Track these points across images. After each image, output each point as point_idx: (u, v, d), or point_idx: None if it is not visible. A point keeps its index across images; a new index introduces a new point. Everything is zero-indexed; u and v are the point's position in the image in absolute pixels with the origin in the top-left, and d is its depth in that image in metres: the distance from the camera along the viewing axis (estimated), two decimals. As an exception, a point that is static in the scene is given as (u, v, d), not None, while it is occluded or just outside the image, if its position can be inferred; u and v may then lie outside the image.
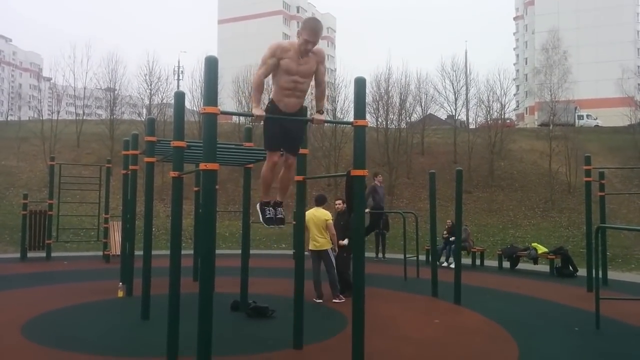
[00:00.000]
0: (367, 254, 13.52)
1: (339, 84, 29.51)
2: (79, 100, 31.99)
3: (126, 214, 9.49)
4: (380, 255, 14.94)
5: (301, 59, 4.38)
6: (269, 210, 4.61)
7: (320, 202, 8.51)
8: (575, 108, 36.58)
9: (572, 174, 22.61)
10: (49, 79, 42.18)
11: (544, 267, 12.91)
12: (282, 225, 4.78)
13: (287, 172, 4.81)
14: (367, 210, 11.11)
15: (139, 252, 7.74)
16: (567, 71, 30.04)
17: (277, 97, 4.54)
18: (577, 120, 36.87)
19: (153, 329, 6.40)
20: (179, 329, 5.23)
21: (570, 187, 22.64)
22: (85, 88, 31.37)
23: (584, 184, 10.31)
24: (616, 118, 34.65)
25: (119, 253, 11.36)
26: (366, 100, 4.85)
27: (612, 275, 11.47)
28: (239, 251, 7.96)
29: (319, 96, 4.77)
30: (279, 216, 4.62)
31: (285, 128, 4.56)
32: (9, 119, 38.91)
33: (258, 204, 4.75)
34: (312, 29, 4.32)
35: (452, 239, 12.73)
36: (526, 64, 64.56)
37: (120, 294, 8.59)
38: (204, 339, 4.05)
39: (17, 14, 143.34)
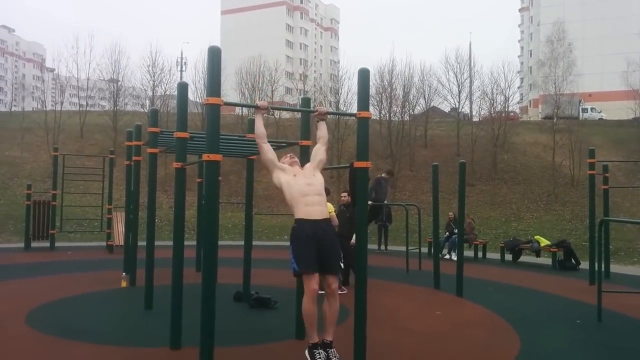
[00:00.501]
0: (369, 246, 13.52)
1: (342, 76, 29.46)
2: (82, 91, 32.03)
3: (129, 205, 9.52)
4: (382, 247, 14.98)
5: (297, 167, 4.61)
6: (318, 353, 4.07)
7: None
8: (580, 101, 36.42)
9: (575, 167, 22.55)
10: (52, 70, 42.19)
11: (546, 260, 12.91)
12: None
13: (331, 300, 4.25)
14: (369, 202, 11.11)
15: (142, 243, 7.76)
16: (571, 64, 29.88)
17: (298, 211, 4.29)
18: (581, 113, 36.72)
19: (156, 319, 6.44)
20: (181, 320, 5.26)
21: (574, 180, 22.58)
22: (88, 79, 31.42)
23: (588, 177, 10.29)
24: (621, 111, 34.49)
25: (122, 243, 11.41)
26: (369, 93, 4.84)
27: (615, 268, 11.47)
28: (242, 242, 7.98)
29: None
30: (333, 359, 4.08)
31: (317, 240, 4.16)
32: (12, 109, 38.94)
33: (306, 350, 4.20)
34: (289, 156, 4.71)
35: (455, 231, 12.74)
36: (531, 56, 64.16)
37: (124, 284, 8.64)
38: (206, 330, 4.08)
39: (19, 4, 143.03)
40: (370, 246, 13.25)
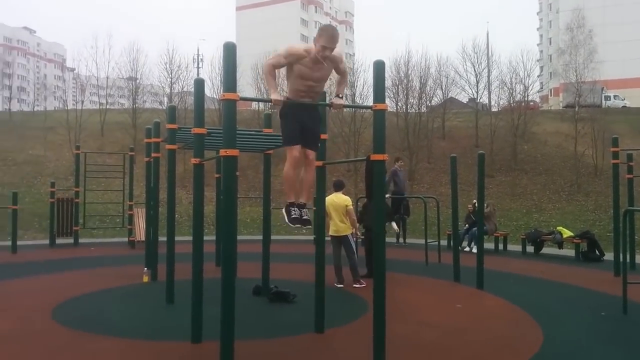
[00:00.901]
0: (387, 239, 13.51)
1: (357, 69, 29.29)
2: (102, 90, 32.50)
3: (149, 201, 9.63)
4: (401, 240, 14.91)
5: (316, 65, 4.42)
6: (294, 210, 4.58)
7: (338, 187, 8.49)
8: (602, 89, 35.67)
9: (598, 157, 22.12)
10: (72, 69, 42.78)
11: (569, 252, 12.71)
12: (309, 226, 4.71)
13: (308, 170, 4.77)
14: (387, 195, 11.07)
15: (162, 238, 7.86)
16: (592, 51, 29.30)
17: (292, 96, 4.61)
18: (604, 101, 35.97)
19: (177, 313, 6.52)
20: (202, 313, 5.32)
21: (597, 170, 22.17)
22: (107, 78, 31.78)
23: (611, 167, 10.08)
24: (645, 98, 33.73)
25: (144, 239, 11.56)
26: (385, 85, 4.80)
27: (640, 259, 11.24)
28: (260, 237, 8.02)
29: (340, 81, 4.81)
30: (305, 217, 4.58)
31: (302, 122, 4.59)
32: (35, 109, 39.64)
33: (284, 207, 4.70)
34: (330, 36, 4.34)
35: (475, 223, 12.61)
36: (550, 44, 63.04)
37: (145, 279, 8.75)
38: (227, 323, 4.12)
39: (40, 5, 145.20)
40: (388, 239, 13.21)
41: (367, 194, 4.94)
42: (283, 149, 4.99)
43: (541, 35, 71.88)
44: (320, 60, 4.37)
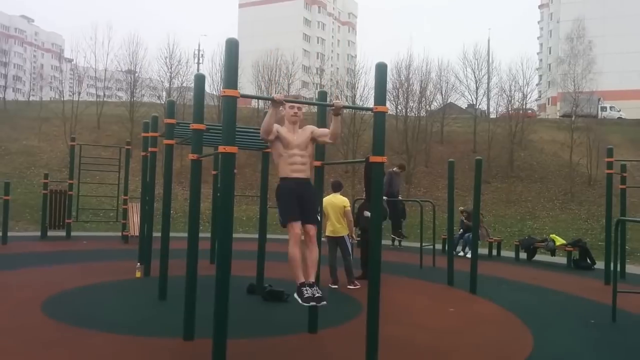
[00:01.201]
0: (383, 242, 13.48)
1: (359, 71, 29.33)
2: (99, 82, 32.34)
3: (145, 196, 9.59)
4: (396, 242, 14.91)
5: (290, 131, 4.68)
6: (306, 290, 4.45)
7: (336, 188, 8.49)
8: (599, 99, 35.86)
9: (593, 166, 22.24)
10: (70, 60, 42.59)
11: (561, 259, 12.77)
12: (324, 303, 4.48)
13: (311, 247, 4.68)
14: (384, 197, 11.07)
15: (157, 234, 7.83)
16: (591, 61, 29.45)
17: (283, 171, 4.65)
18: (600, 112, 36.16)
19: (170, 310, 6.50)
20: (195, 311, 5.30)
21: (591, 180, 22.29)
22: (106, 70, 31.69)
23: (605, 177, 10.14)
24: (640, 110, 33.92)
25: (138, 234, 11.51)
26: (386, 87, 4.80)
27: (631, 269, 11.29)
28: (256, 235, 8.00)
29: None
30: (317, 295, 4.42)
31: (299, 197, 4.57)
32: (30, 99, 39.43)
33: (295, 291, 4.55)
34: (292, 100, 4.80)
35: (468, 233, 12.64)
36: (550, 53, 63.28)
37: (138, 274, 8.72)
38: (220, 321, 4.10)
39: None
40: (383, 241, 13.18)
41: (365, 195, 4.94)
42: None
43: (541, 44, 72.12)
44: (293, 122, 4.67)
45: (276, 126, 4.58)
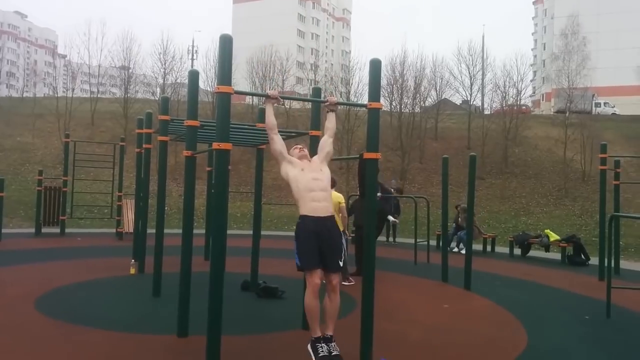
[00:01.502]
0: (378, 238, 13.45)
1: (353, 67, 29.29)
2: (93, 78, 32.14)
3: (139, 192, 9.56)
4: (390, 239, 14.96)
5: (304, 163, 4.54)
6: (321, 347, 4.13)
7: (331, 184, 8.49)
8: (593, 95, 35.98)
9: (587, 162, 22.34)
10: (64, 56, 42.37)
11: (555, 255, 12.83)
12: None
13: (333, 297, 4.30)
14: (379, 194, 11.09)
15: (151, 230, 7.80)
16: (585, 57, 29.52)
17: (304, 207, 4.32)
18: (594, 108, 36.29)
19: (164, 307, 6.48)
20: (189, 307, 5.29)
21: (585, 176, 22.40)
22: (99, 66, 31.49)
23: (599, 172, 10.18)
24: (635, 106, 34.07)
25: (132, 231, 11.48)
26: (381, 84, 4.80)
27: (625, 264, 11.37)
28: (250, 232, 8.00)
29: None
30: (335, 353, 4.11)
31: (321, 238, 4.22)
32: (24, 95, 39.19)
33: (309, 344, 4.26)
34: (295, 148, 4.68)
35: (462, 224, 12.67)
36: (544, 49, 63.47)
37: (132, 271, 8.70)
38: (214, 318, 4.10)
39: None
40: (378, 238, 13.15)
41: (360, 191, 4.92)
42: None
43: (535, 40, 72.31)
44: (301, 157, 4.54)
45: (288, 156, 4.52)
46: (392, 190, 13.09)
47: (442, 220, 9.63)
